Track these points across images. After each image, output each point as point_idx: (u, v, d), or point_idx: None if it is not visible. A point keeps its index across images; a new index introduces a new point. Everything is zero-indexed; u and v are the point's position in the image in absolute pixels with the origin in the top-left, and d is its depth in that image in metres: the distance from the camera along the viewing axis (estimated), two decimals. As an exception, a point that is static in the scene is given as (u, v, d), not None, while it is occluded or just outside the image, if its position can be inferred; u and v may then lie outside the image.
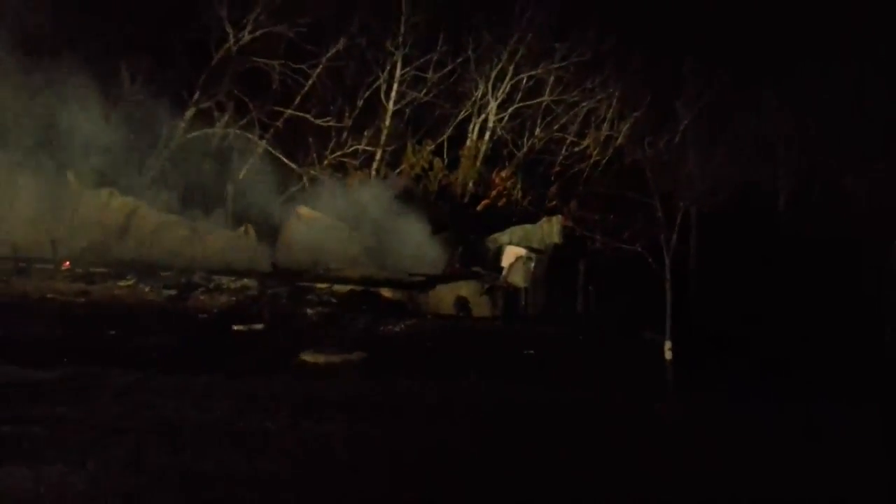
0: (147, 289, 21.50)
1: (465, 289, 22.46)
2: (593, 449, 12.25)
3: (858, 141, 23.20)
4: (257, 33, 26.79)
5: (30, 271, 21.73)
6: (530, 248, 23.94)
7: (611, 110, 29.61)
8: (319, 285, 22.41)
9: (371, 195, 27.12)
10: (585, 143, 30.16)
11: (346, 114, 28.55)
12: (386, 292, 22.24)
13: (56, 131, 24.51)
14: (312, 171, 27.79)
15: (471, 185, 29.64)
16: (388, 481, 10.36)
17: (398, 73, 28.64)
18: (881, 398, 15.56)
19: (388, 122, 28.98)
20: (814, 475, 11.37)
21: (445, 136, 29.82)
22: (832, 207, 22.86)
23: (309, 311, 20.48)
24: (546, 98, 29.89)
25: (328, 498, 9.78)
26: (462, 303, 22.01)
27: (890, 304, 19.86)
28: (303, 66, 27.65)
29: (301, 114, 27.85)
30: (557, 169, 30.40)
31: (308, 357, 16.06)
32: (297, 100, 27.88)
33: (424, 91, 29.24)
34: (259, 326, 18.63)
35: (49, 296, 20.40)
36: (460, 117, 29.86)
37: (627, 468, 11.31)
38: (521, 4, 28.59)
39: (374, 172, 28.84)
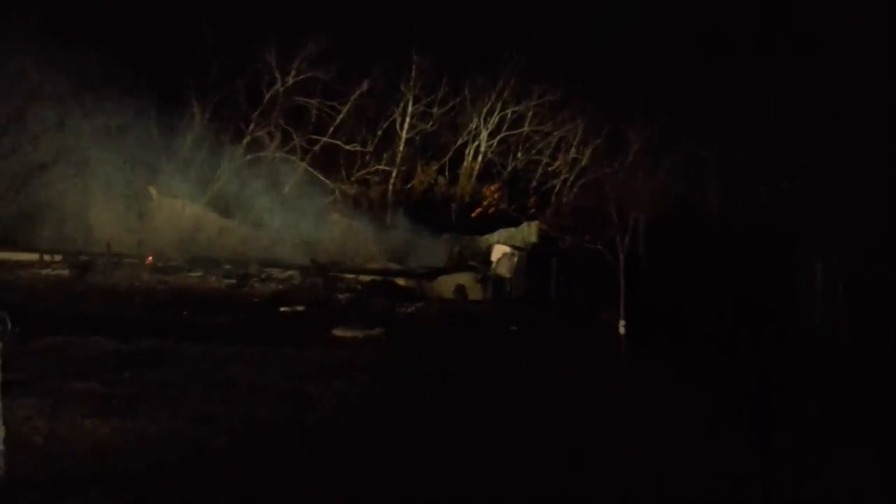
0: (212, 278, 21.46)
1: (463, 278, 22.41)
2: (560, 400, 12.29)
3: (770, 161, 23.13)
4: (299, 78, 26.70)
5: (121, 265, 21.68)
6: (514, 247, 23.88)
7: (576, 138, 29.50)
8: (347, 275, 22.36)
9: (388, 205, 27.15)
10: (557, 164, 30.05)
11: (369, 141, 28.47)
12: (400, 281, 22.20)
13: (141, 155, 24.45)
14: (342, 186, 27.74)
15: (467, 196, 29.57)
16: (398, 425, 10.39)
17: (409, 109, 28.55)
18: (777, 355, 15.78)
19: (401, 148, 28.88)
20: (729, 413, 11.45)
21: (447, 158, 29.74)
22: (750, 213, 22.78)
23: (339, 296, 20.42)
24: (526, 129, 29.80)
25: (354, 438, 9.74)
26: (460, 289, 21.97)
27: (800, 290, 19.92)
28: (335, 104, 27.56)
29: (333, 141, 27.76)
30: (535, 184, 30.31)
31: (339, 332, 16.01)
32: (331, 130, 27.79)
33: (430, 123, 29.14)
34: (300, 308, 18.59)
35: (136, 284, 20.36)
36: (458, 143, 29.76)
37: (588, 416, 11.33)
38: (506, 55, 28.48)
39: (390, 187, 28.75)
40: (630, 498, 8.56)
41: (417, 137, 29.20)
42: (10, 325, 9.51)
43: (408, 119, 28.62)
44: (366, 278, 22.09)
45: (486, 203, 29.22)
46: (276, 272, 22.14)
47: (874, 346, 16.63)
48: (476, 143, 29.67)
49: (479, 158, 29.82)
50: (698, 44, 25.91)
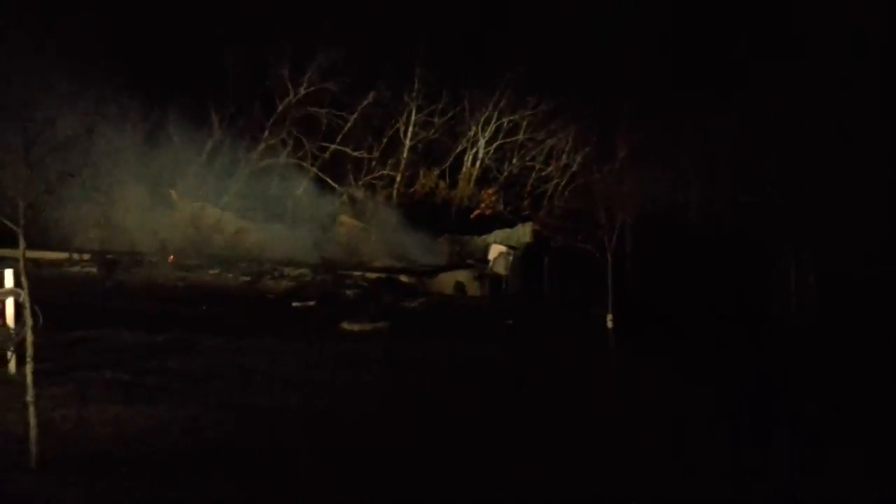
0: (229, 276, 21.44)
1: (462, 276, 22.37)
2: (551, 384, 12.43)
3: (746, 168, 23.12)
4: (311, 89, 26.65)
5: (144, 263, 21.70)
6: (509, 246, 23.79)
7: (568, 145, 29.33)
8: (355, 273, 22.30)
9: (392, 207, 27.16)
10: (549, 169, 29.92)
11: (375, 148, 28.37)
12: (403, 278, 22.13)
13: (163, 160, 24.43)
14: (350, 190, 27.71)
15: (466, 199, 29.52)
16: (403, 409, 10.46)
17: (412, 118, 28.48)
18: (750, 343, 15.85)
19: (405, 154, 28.80)
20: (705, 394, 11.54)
21: (447, 164, 29.64)
22: (728, 216, 22.77)
23: (347, 292, 20.38)
24: (521, 137, 29.67)
25: (359, 424, 9.78)
26: (459, 286, 21.93)
27: (774, 286, 19.96)
28: (343, 113, 27.50)
29: (342, 148, 27.70)
30: (529, 188, 30.17)
31: (347, 326, 15.99)
32: (339, 138, 27.73)
33: (432, 131, 29.06)
34: (311, 303, 18.55)
35: (158, 281, 20.37)
36: (458, 150, 29.66)
37: (577, 403, 11.39)
38: (501, 68, 28.42)
39: (394, 191, 28.72)
40: (606, 445, 9.04)
41: (420, 144, 29.13)
42: (42, 319, 9.54)
43: (411, 127, 28.56)
44: (372, 276, 22.06)
45: (483, 206, 29.13)
46: (288, 270, 22.12)
47: (843, 334, 16.65)
48: (474, 149, 29.61)
49: (477, 164, 29.75)
50: (683, 57, 25.90)
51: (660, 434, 10.06)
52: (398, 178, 28.68)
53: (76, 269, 20.86)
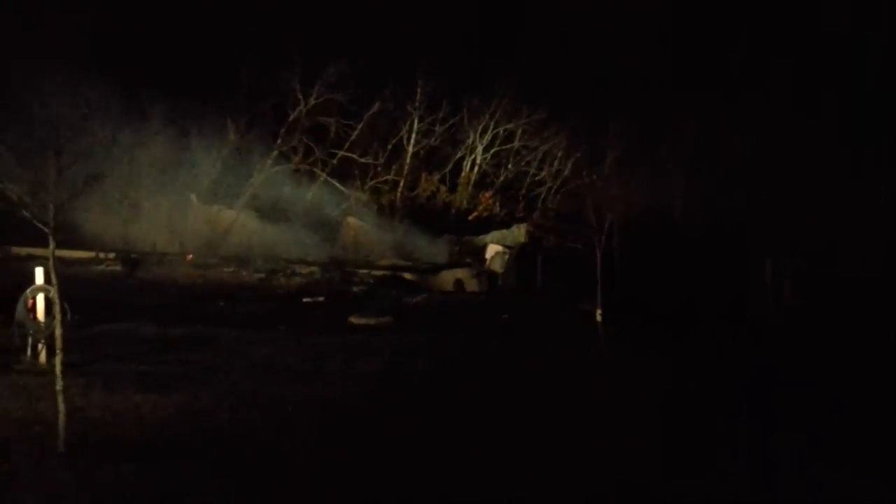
0: (244, 273, 21.46)
1: (461, 273, 22.37)
2: (543, 371, 12.53)
3: (726, 174, 23.07)
4: (320, 99, 26.62)
5: (165, 262, 21.73)
6: (505, 246, 23.81)
7: (560, 152, 29.40)
8: (361, 271, 22.32)
9: (396, 210, 27.20)
10: (542, 174, 29.94)
11: (380, 154, 28.39)
12: (407, 275, 22.17)
13: (182, 167, 24.45)
14: (357, 194, 27.70)
15: (465, 202, 29.52)
16: (406, 395, 10.49)
17: (415, 126, 28.48)
18: (727, 337, 15.87)
19: (408, 160, 28.80)
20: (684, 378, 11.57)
21: (447, 170, 29.64)
22: (709, 218, 22.72)
23: (354, 288, 20.41)
24: (516, 144, 29.67)
25: (364, 410, 9.81)
26: (459, 283, 21.94)
27: (753, 284, 19.96)
28: (350, 122, 27.48)
29: (349, 154, 27.69)
30: (524, 192, 30.18)
31: (354, 320, 16.03)
32: (347, 145, 27.74)
33: (433, 138, 29.09)
34: (321, 299, 18.56)
35: (177, 279, 20.38)
36: (457, 156, 29.66)
37: (568, 390, 11.42)
38: (498, 80, 28.41)
39: (398, 194, 28.73)
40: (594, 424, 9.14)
41: (422, 151, 29.12)
42: (70, 314, 9.57)
43: (413, 135, 28.56)
44: (377, 273, 22.08)
45: (481, 208, 29.13)
46: (299, 268, 22.14)
47: (814, 329, 16.66)
48: (472, 156, 29.61)
49: (475, 169, 29.74)
50: (667, 71, 25.86)
51: (644, 415, 10.23)
52: (401, 183, 28.70)
53: (101, 267, 20.88)
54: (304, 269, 22.04)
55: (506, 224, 27.33)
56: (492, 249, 23.56)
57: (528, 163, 29.97)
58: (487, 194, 29.49)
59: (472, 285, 21.91)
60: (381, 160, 28.39)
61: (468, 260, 24.06)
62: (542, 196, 29.70)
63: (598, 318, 15.66)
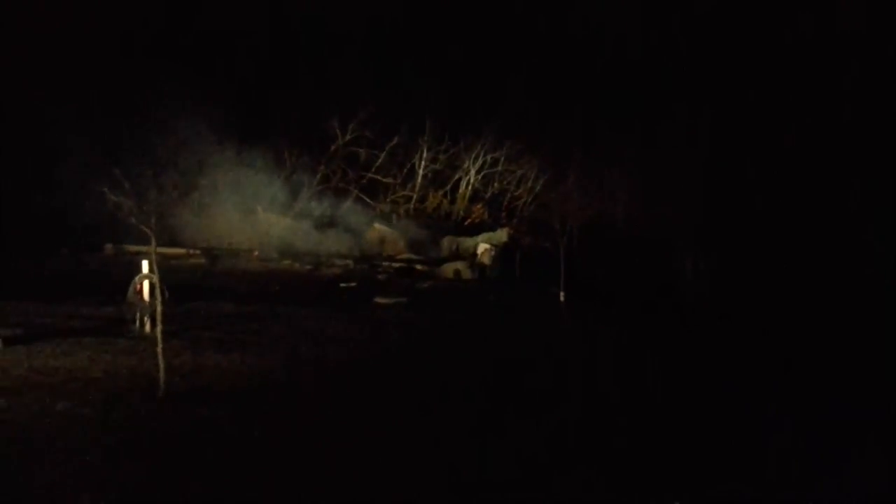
0: (297, 265, 21.46)
1: (459, 265, 22.26)
2: (521, 333, 12.70)
3: (657, 190, 22.79)
4: (353, 135, 26.66)
5: (238, 257, 21.74)
6: (492, 244, 23.74)
7: (532, 174, 29.35)
8: (384, 263, 22.31)
9: (410, 218, 27.24)
10: (520, 191, 29.91)
11: (398, 175, 28.37)
12: (418, 267, 22.14)
13: (251, 184, 24.44)
14: (381, 206, 27.70)
15: (461, 212, 29.48)
16: (417, 353, 10.44)
17: (424, 154, 28.44)
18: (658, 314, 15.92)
19: (419, 180, 28.78)
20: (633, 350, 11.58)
21: (448, 188, 29.60)
22: (645, 224, 22.63)
23: (379, 276, 20.39)
24: (500, 168, 29.61)
25: (387, 368, 9.85)
26: (457, 272, 21.85)
27: (680, 277, 19.90)
28: (376, 152, 27.49)
29: (375, 176, 27.70)
30: (506, 204, 30.10)
31: (379, 300, 15.99)
32: (373, 168, 27.75)
33: (438, 164, 29.07)
34: (353, 284, 18.53)
35: (247, 269, 20.40)
36: (456, 177, 29.63)
37: (539, 340, 11.63)
38: (486, 120, 28.34)
39: (412, 206, 28.71)
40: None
41: (429, 173, 29.10)
42: (167, 294, 9.59)
43: (423, 161, 28.55)
44: (396, 265, 22.07)
45: (473, 216, 29.11)
46: (337, 261, 22.14)
47: (729, 314, 16.58)
48: (468, 177, 29.55)
49: (469, 187, 29.69)
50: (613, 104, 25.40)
51: (591, 354, 10.95)
52: (414, 197, 28.70)
53: (190, 260, 20.89)
54: (341, 262, 22.04)
55: (492, 228, 27.25)
56: (482, 247, 23.53)
57: (509, 182, 29.97)
58: (479, 206, 29.49)
59: (467, 274, 21.90)
60: (399, 180, 28.40)
61: (464, 255, 24.03)
62: (520, 207, 29.69)
63: (562, 298, 15.72)
